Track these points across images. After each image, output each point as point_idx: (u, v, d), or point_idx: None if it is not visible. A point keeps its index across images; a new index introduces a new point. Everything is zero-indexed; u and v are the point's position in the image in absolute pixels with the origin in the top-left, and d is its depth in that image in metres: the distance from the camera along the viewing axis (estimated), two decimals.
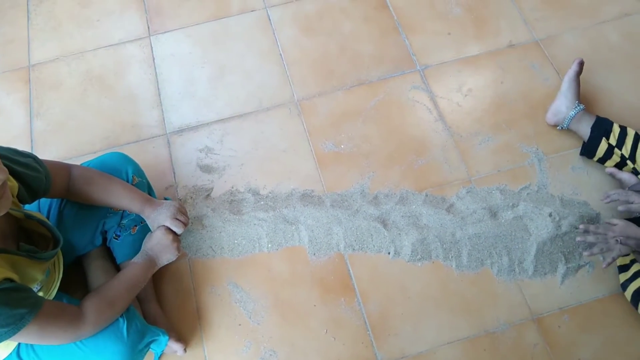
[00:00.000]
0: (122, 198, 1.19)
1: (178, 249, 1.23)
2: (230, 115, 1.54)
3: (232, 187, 1.44)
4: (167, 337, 1.17)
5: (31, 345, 1.06)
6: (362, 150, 1.48)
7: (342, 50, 1.65)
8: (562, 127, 1.44)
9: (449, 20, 1.69)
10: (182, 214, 1.24)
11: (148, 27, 1.72)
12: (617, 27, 1.65)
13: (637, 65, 1.58)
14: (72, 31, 1.72)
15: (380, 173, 1.45)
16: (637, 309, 1.21)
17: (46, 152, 1.51)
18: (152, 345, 1.16)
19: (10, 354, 1.06)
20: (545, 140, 1.40)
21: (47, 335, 0.97)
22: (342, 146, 1.49)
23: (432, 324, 1.27)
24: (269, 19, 1.72)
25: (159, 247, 1.21)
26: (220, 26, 1.72)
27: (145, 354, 1.15)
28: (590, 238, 1.24)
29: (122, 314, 1.10)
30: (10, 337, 0.91)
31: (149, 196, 1.23)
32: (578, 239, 1.27)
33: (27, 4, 1.78)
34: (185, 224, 1.23)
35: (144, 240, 1.23)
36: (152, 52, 1.67)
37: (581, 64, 1.42)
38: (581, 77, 1.54)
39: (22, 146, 1.52)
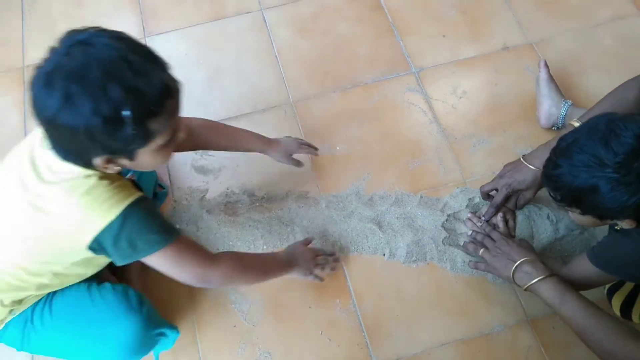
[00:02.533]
0: (247, 140, 1.30)
1: (311, 270, 1.24)
2: (225, 117, 1.54)
3: (227, 189, 1.44)
4: (177, 334, 1.17)
5: (48, 304, 1.06)
6: (358, 152, 1.48)
7: (337, 52, 1.65)
8: (557, 127, 1.45)
9: (443, 22, 1.70)
10: (306, 143, 1.38)
11: (143, 29, 1.72)
12: (610, 30, 1.67)
13: (630, 68, 1.58)
14: None
15: (375, 175, 1.45)
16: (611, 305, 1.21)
17: None
18: (162, 339, 1.16)
19: (26, 310, 1.06)
20: (539, 141, 1.40)
21: (182, 263, 0.98)
22: (338, 148, 1.49)
23: (427, 326, 1.27)
24: (265, 21, 1.72)
25: (301, 257, 1.23)
26: (215, 28, 1.71)
27: (155, 344, 1.14)
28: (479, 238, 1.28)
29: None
30: (156, 250, 0.92)
31: (264, 135, 1.33)
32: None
33: (22, 5, 1.77)
34: (314, 148, 1.39)
35: (291, 244, 1.28)
36: None
37: (547, 65, 1.46)
38: (574, 79, 1.56)
39: None
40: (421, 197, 1.41)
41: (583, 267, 1.09)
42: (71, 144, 0.83)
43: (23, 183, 0.90)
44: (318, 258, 1.27)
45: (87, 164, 0.87)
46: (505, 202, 1.29)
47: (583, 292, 1.11)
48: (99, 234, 0.88)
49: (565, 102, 1.43)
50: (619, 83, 1.23)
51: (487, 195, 1.33)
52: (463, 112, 1.55)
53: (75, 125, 0.78)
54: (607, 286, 1.23)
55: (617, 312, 1.21)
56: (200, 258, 1.01)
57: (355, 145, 1.49)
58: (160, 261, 0.96)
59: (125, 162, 0.87)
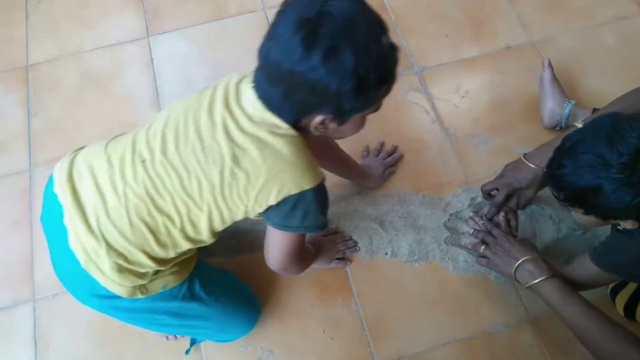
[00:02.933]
0: (352, 170, 1.37)
1: (331, 259, 1.31)
2: None
3: None
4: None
5: (201, 283, 1.09)
6: (360, 151, 1.49)
7: None
8: (560, 127, 1.45)
9: (446, 22, 1.70)
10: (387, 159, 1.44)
11: (147, 28, 1.73)
12: (613, 30, 1.66)
13: (632, 68, 1.58)
14: (71, 31, 1.72)
15: None
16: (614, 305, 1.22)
17: (44, 152, 1.51)
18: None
19: (185, 280, 1.07)
20: (541, 141, 1.40)
21: (293, 249, 1.03)
22: (340, 147, 1.49)
23: (429, 325, 1.27)
24: (268, 20, 1.72)
25: (322, 248, 1.30)
26: (218, 27, 1.72)
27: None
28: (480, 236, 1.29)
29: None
30: (311, 231, 0.98)
31: (358, 164, 1.39)
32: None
33: (26, 4, 1.78)
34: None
35: (311, 236, 1.31)
36: (151, 52, 1.68)
37: (551, 65, 1.45)
38: (577, 79, 1.55)
39: (20, 146, 1.52)
40: (423, 196, 1.42)
41: (585, 267, 1.08)
42: (303, 97, 0.81)
43: (227, 131, 0.88)
44: (338, 245, 1.32)
45: (297, 121, 0.86)
46: (506, 201, 1.30)
47: (586, 292, 1.11)
48: (291, 195, 0.89)
49: (569, 102, 1.42)
50: (622, 82, 1.24)
51: (488, 195, 1.33)
52: (466, 111, 1.55)
53: (327, 81, 0.77)
54: (611, 286, 1.23)
55: (621, 312, 1.21)
56: (303, 254, 1.11)
57: (357, 145, 1.50)
58: (287, 239, 1.00)
59: (333, 125, 0.86)
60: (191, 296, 1.07)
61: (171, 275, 1.02)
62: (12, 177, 1.48)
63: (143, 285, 0.99)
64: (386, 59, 0.81)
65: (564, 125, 1.44)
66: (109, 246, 0.93)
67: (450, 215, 1.38)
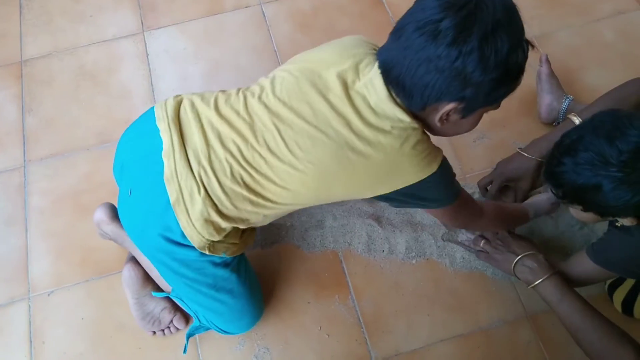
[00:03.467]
0: (524, 216, 1.28)
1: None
2: None
3: None
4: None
5: (245, 265, 1.15)
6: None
7: None
8: (558, 122, 1.44)
9: None
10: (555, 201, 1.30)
11: (142, 23, 1.71)
12: (612, 25, 1.66)
13: (631, 63, 1.58)
14: (65, 26, 1.70)
15: None
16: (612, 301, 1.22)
17: (38, 148, 1.50)
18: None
19: (241, 260, 1.13)
20: (538, 136, 1.40)
21: (457, 216, 1.08)
22: None
23: (426, 321, 1.27)
24: (264, 15, 1.71)
25: (542, 209, 1.27)
26: (214, 22, 1.71)
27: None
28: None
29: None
30: (444, 206, 1.02)
31: (531, 205, 1.29)
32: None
33: None
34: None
35: (535, 198, 1.30)
36: (146, 48, 1.66)
37: (548, 60, 1.44)
38: (575, 74, 1.54)
39: (14, 142, 1.51)
40: None
41: (582, 263, 1.08)
42: (442, 83, 0.81)
43: (347, 121, 0.89)
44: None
45: (422, 108, 0.87)
46: (501, 191, 1.31)
47: (584, 288, 1.11)
48: (409, 185, 0.92)
49: (567, 97, 1.42)
50: (620, 78, 1.23)
51: (485, 190, 1.33)
52: None
53: (474, 67, 0.78)
54: (609, 282, 1.23)
55: (619, 308, 1.21)
56: (472, 212, 1.09)
57: None
58: (439, 213, 1.06)
59: (456, 117, 0.88)
60: (237, 270, 1.11)
61: (233, 244, 1.05)
62: (6, 173, 1.47)
63: (212, 242, 1.00)
64: (526, 55, 0.83)
65: (561, 120, 1.43)
66: (207, 193, 0.95)
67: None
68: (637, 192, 0.83)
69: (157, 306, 1.23)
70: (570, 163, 0.88)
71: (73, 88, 1.60)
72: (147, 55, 1.65)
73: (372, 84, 0.89)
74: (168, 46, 1.67)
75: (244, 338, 1.25)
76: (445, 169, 0.96)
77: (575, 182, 0.89)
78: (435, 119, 0.88)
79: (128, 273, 1.21)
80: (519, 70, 0.84)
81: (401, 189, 0.94)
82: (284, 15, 1.71)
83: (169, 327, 1.25)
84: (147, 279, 1.22)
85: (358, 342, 1.25)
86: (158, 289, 1.24)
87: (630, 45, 1.62)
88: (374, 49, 0.96)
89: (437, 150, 0.95)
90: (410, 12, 0.84)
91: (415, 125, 0.89)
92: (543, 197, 1.29)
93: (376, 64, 0.90)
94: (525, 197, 1.31)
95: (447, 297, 1.29)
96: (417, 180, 0.92)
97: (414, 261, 1.33)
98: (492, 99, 0.86)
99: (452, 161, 1.45)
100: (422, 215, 1.37)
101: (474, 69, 0.79)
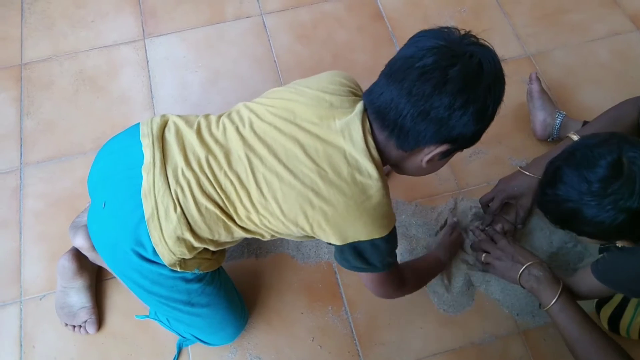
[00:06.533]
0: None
1: (458, 246, 1.33)
2: None
3: None
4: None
5: (218, 275, 1.14)
6: None
7: (335, 60, 1.66)
8: (552, 139, 1.46)
9: None
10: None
11: (143, 30, 1.72)
12: (607, 45, 1.68)
13: (625, 83, 1.60)
14: (66, 31, 1.71)
15: None
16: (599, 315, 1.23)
17: (35, 152, 1.50)
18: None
19: (215, 271, 1.12)
20: (534, 152, 1.41)
21: (383, 285, 1.07)
22: None
23: (418, 335, 1.27)
24: (264, 26, 1.73)
25: (455, 249, 1.31)
26: (215, 31, 1.72)
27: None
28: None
29: None
30: (379, 272, 1.02)
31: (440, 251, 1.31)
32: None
33: (22, 3, 1.77)
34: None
35: (438, 238, 1.35)
36: (146, 54, 1.67)
37: (538, 78, 1.47)
38: (570, 92, 1.56)
39: (11, 145, 1.51)
40: (416, 205, 1.42)
41: (587, 280, 1.10)
42: (444, 129, 0.86)
43: (316, 165, 0.92)
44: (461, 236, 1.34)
45: (412, 150, 0.92)
46: (501, 208, 1.31)
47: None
48: (358, 241, 0.94)
49: (560, 113, 1.44)
50: (615, 97, 1.25)
51: (487, 206, 1.34)
52: None
53: (478, 118, 0.86)
54: (595, 300, 1.24)
55: (605, 325, 1.21)
56: (398, 283, 1.09)
57: None
58: (369, 278, 1.05)
59: (436, 156, 0.92)
60: (211, 282, 1.11)
61: (206, 260, 1.05)
62: (1, 175, 1.46)
63: (184, 260, 1.00)
64: (500, 100, 0.90)
65: (556, 136, 1.45)
66: (182, 212, 0.95)
67: (442, 226, 1.38)
68: (614, 217, 0.86)
69: (78, 302, 1.24)
70: (551, 193, 0.92)
71: (72, 92, 1.60)
72: (147, 61, 1.66)
73: (348, 131, 0.92)
74: (168, 53, 1.68)
75: (236, 347, 1.25)
76: (394, 236, 0.99)
77: (558, 211, 0.93)
78: (422, 159, 0.93)
79: (63, 262, 1.21)
80: (492, 119, 0.91)
81: (350, 242, 0.95)
82: (285, 26, 1.73)
83: (80, 326, 1.25)
84: (80, 273, 1.22)
85: (350, 354, 1.25)
86: (90, 282, 1.26)
87: (626, 65, 1.64)
88: (353, 89, 1.00)
89: (393, 216, 0.98)
90: (406, 56, 0.89)
91: (381, 184, 0.92)
92: (441, 233, 1.34)
93: (356, 108, 0.94)
94: (527, 215, 1.32)
95: (440, 310, 1.30)
96: (368, 238, 0.94)
97: None
98: (474, 143, 0.93)
99: (448, 176, 1.49)
100: (416, 228, 1.38)
101: (475, 117, 0.86)
